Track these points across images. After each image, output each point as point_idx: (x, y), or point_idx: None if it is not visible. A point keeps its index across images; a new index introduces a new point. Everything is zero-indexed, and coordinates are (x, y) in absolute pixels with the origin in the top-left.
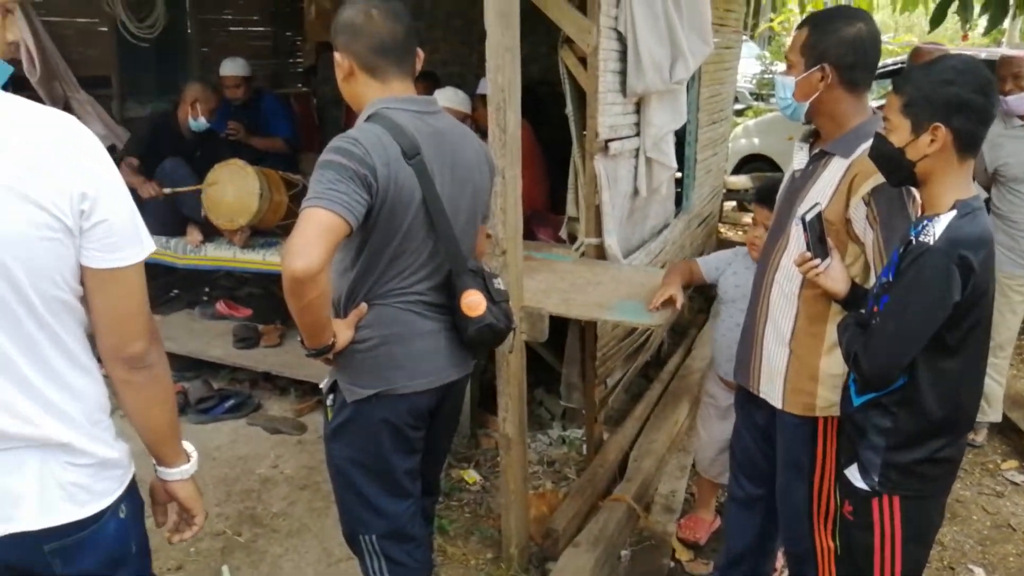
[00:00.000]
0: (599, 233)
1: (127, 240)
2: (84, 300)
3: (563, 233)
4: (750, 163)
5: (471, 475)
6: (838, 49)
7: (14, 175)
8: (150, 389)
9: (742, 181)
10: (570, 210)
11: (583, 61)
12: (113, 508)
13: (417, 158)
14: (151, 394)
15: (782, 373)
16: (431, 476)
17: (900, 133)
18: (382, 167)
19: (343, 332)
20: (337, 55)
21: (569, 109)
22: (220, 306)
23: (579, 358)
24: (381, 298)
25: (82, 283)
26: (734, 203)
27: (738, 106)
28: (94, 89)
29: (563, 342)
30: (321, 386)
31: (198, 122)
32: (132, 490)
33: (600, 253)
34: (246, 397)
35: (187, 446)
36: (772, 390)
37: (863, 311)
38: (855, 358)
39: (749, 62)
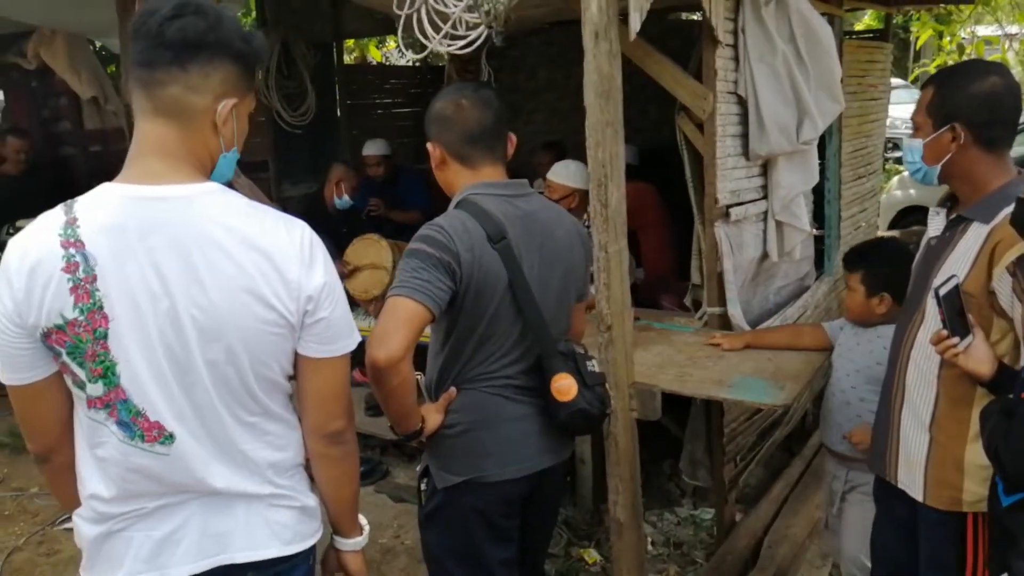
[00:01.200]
0: (723, 302)
1: (341, 334)
2: (292, 379)
3: (688, 300)
4: (908, 215)
5: (591, 554)
6: (969, 106)
7: (252, 278)
8: (344, 463)
9: (896, 236)
10: (694, 277)
11: (701, 127)
12: (307, 553)
13: (503, 242)
14: (344, 468)
15: (922, 462)
16: (532, 565)
17: None
18: (466, 252)
19: (432, 416)
20: (429, 144)
21: (688, 175)
22: (355, 374)
23: (704, 432)
24: (470, 382)
25: (294, 367)
26: None
27: (897, 154)
28: (253, 173)
29: (688, 412)
30: (416, 469)
31: (342, 200)
32: (315, 549)
33: (724, 323)
34: (376, 464)
35: (361, 519)
36: (912, 481)
37: (1011, 396)
38: (996, 452)
39: (910, 108)
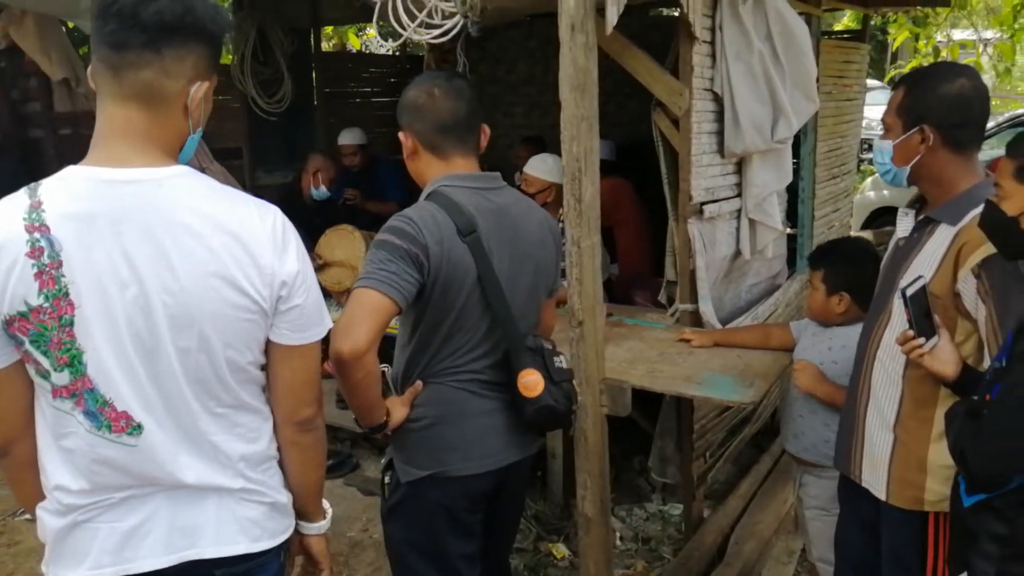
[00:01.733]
0: (695, 299)
1: (313, 321)
2: (264, 368)
3: (662, 297)
4: (882, 216)
5: (560, 549)
6: (939, 108)
7: (224, 263)
8: (312, 450)
9: (868, 236)
10: (668, 273)
11: (677, 123)
12: (278, 550)
13: (472, 235)
14: (312, 455)
15: (886, 461)
16: (496, 560)
17: (1014, 201)
18: (434, 245)
19: (397, 409)
20: (401, 134)
21: (663, 172)
22: (326, 366)
23: (675, 429)
24: (436, 376)
25: (265, 354)
26: None
27: (870, 155)
28: (227, 160)
29: (659, 408)
30: (381, 462)
31: (319, 191)
32: (286, 546)
33: (696, 320)
34: (345, 456)
35: (325, 504)
36: (875, 480)
37: (975, 397)
38: (962, 453)
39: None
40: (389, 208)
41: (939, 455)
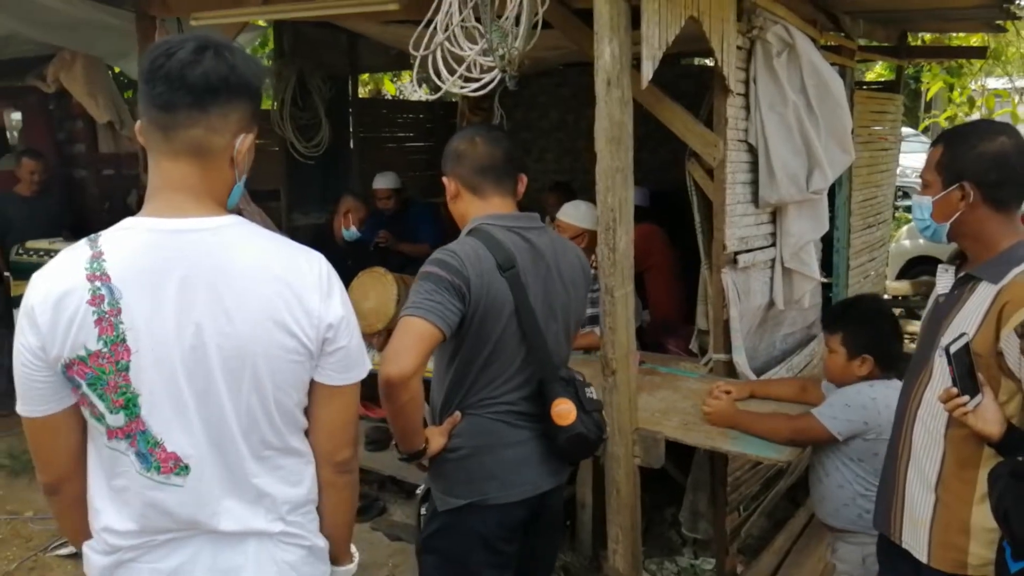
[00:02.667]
0: (728, 348)
1: (356, 362)
2: (306, 411)
3: (693, 346)
4: (917, 265)
5: None
6: (978, 166)
7: (276, 307)
8: (348, 490)
9: (904, 287)
10: (699, 322)
11: (711, 172)
12: None
13: (512, 271)
14: (348, 495)
15: (927, 523)
16: None
17: None
18: (476, 278)
19: (436, 439)
20: (445, 179)
21: (697, 220)
22: (360, 407)
23: (707, 483)
24: (473, 407)
25: (308, 396)
26: (901, 310)
27: (907, 202)
28: (264, 201)
29: (691, 458)
30: (417, 492)
31: (350, 231)
32: None
33: (730, 370)
34: (373, 500)
35: (352, 548)
36: (916, 541)
37: (1020, 458)
38: (1006, 516)
39: (920, 158)
40: (421, 249)
41: (983, 517)
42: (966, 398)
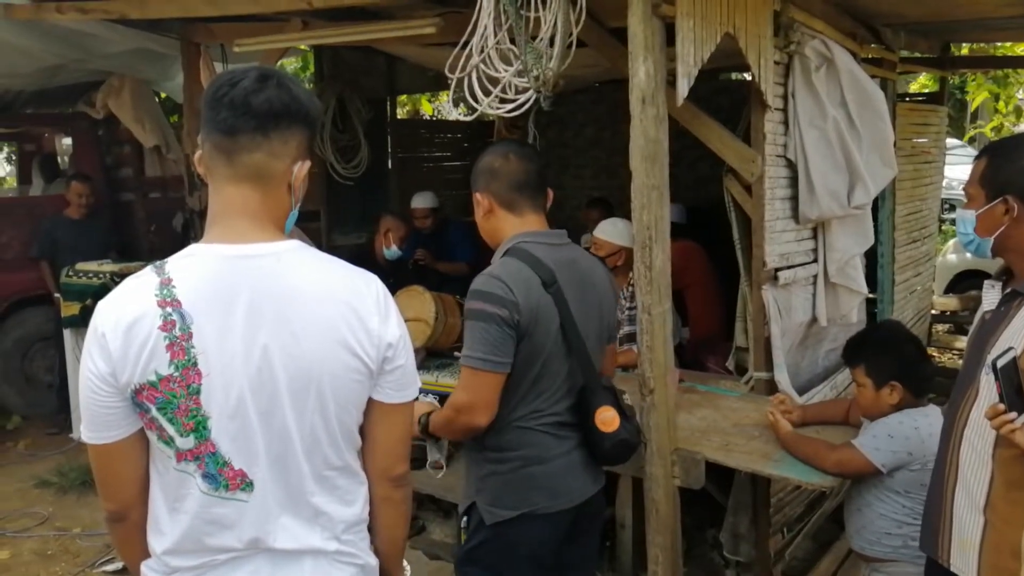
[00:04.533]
0: (770, 366)
1: (412, 381)
2: (360, 429)
3: (730, 363)
4: (965, 279)
5: None
6: (1022, 179)
7: (339, 328)
8: (403, 505)
9: (952, 302)
10: (738, 339)
11: (749, 189)
12: None
13: (555, 286)
14: (403, 510)
15: (976, 546)
16: None
17: None
18: (524, 300)
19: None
20: (477, 195)
21: (736, 237)
22: None
23: (749, 504)
24: (522, 420)
25: (364, 415)
26: (949, 325)
27: (954, 215)
28: (305, 222)
29: (732, 478)
30: (459, 508)
31: (391, 250)
32: None
33: (771, 389)
34: (412, 518)
35: (404, 563)
36: (965, 565)
37: None
38: None
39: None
40: (459, 268)
41: None
42: (1013, 414)
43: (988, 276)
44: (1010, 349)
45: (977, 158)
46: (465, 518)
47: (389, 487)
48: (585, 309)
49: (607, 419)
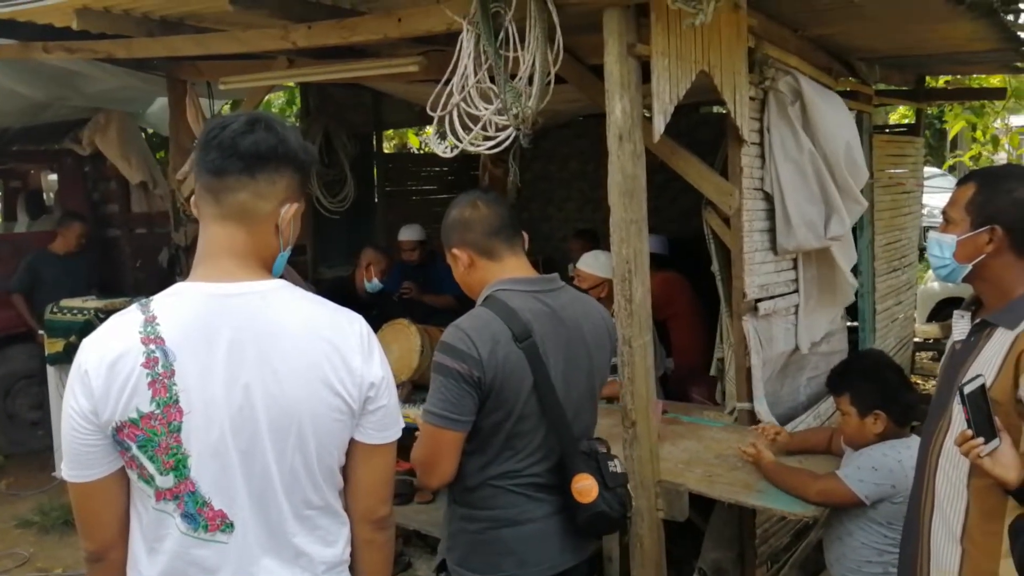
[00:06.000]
0: (752, 397)
1: (395, 422)
2: (342, 469)
3: (719, 395)
4: (947, 307)
5: None
6: (1013, 211)
7: (322, 367)
8: (387, 548)
9: (934, 330)
10: (713, 368)
11: (728, 221)
12: None
13: (528, 341)
14: (386, 553)
15: (955, 575)
16: None
17: None
18: (488, 355)
19: None
20: (454, 251)
21: (715, 268)
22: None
23: (729, 537)
24: (498, 479)
25: (346, 455)
26: (932, 353)
27: None
28: (292, 256)
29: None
30: (434, 564)
31: (372, 284)
32: None
33: (753, 419)
34: (398, 554)
35: None
36: None
37: None
38: None
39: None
40: (445, 301)
41: (1011, 571)
42: (981, 440)
43: None
44: (979, 376)
45: (961, 183)
46: (441, 574)
47: (371, 530)
48: (569, 363)
49: (583, 489)
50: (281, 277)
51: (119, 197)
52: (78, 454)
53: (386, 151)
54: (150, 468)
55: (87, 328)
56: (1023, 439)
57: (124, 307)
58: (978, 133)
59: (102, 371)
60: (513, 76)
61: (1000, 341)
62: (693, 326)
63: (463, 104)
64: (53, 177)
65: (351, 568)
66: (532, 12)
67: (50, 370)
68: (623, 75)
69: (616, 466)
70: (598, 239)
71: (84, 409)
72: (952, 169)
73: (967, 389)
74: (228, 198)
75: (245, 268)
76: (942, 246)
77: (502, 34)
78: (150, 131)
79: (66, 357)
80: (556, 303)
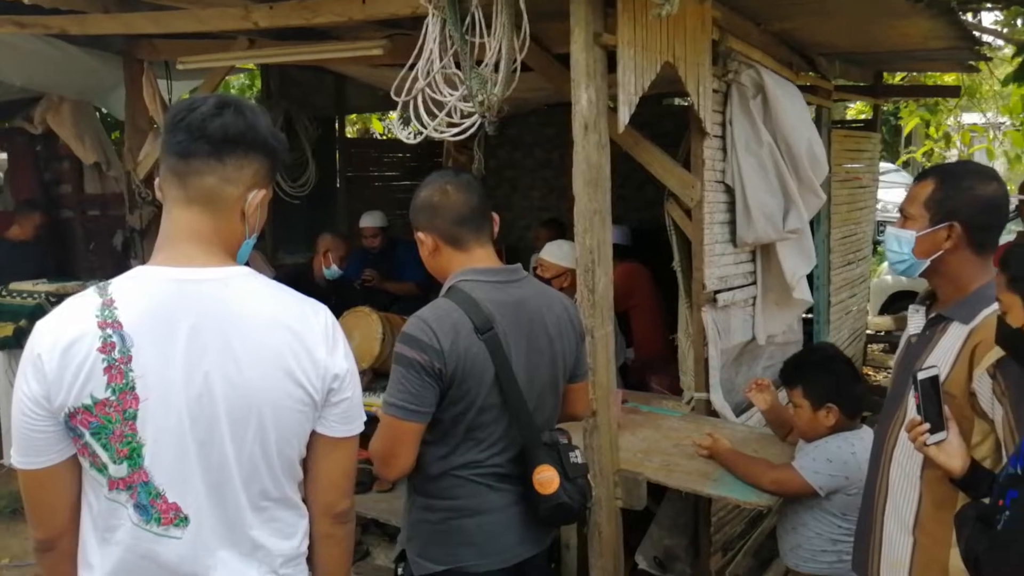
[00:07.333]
0: (708, 387)
1: (357, 414)
2: (303, 462)
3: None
4: (899, 300)
5: None
6: (972, 208)
7: (284, 356)
8: (347, 542)
9: (886, 322)
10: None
11: (689, 213)
12: None
13: (490, 333)
14: (346, 547)
15: (906, 565)
16: None
17: (1015, 312)
18: (449, 346)
19: None
20: (420, 234)
21: (676, 260)
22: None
23: (683, 524)
24: (459, 470)
25: (307, 448)
26: (884, 345)
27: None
28: None
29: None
30: (394, 554)
31: (331, 270)
32: None
33: (711, 408)
34: (356, 543)
35: None
36: None
37: (987, 500)
38: (976, 561)
39: (900, 192)
40: (407, 288)
41: (961, 560)
42: (928, 426)
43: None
44: (934, 367)
45: (919, 180)
46: (401, 565)
47: (331, 524)
48: (531, 355)
49: (544, 480)
50: (248, 264)
51: (72, 178)
52: (28, 440)
53: (349, 136)
54: (103, 456)
55: (37, 312)
56: (975, 430)
57: (76, 291)
58: (931, 130)
59: (56, 355)
60: (479, 62)
61: (955, 335)
62: (654, 316)
63: (428, 90)
64: (2, 156)
65: (309, 561)
66: None
67: None
68: (589, 64)
69: (577, 456)
70: (565, 229)
71: (36, 394)
72: (906, 165)
73: (921, 376)
74: (194, 181)
75: (209, 254)
76: (900, 241)
77: (468, 19)
78: (104, 111)
79: (15, 342)
80: (519, 294)
